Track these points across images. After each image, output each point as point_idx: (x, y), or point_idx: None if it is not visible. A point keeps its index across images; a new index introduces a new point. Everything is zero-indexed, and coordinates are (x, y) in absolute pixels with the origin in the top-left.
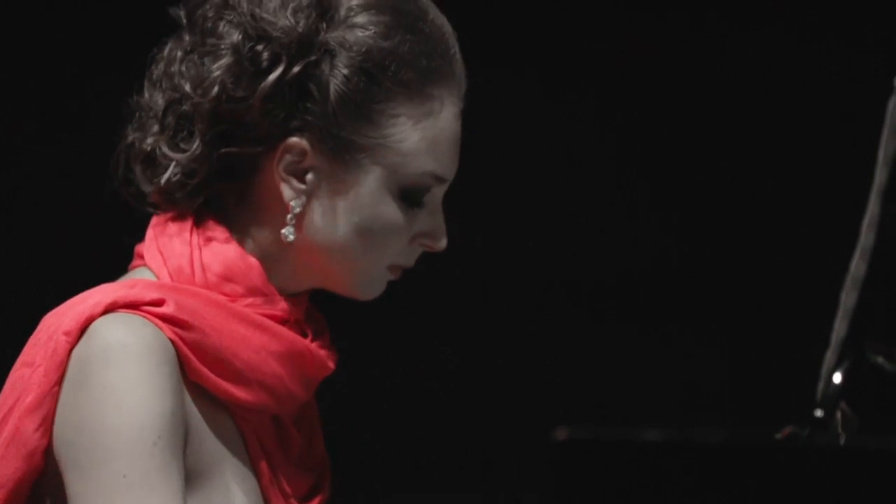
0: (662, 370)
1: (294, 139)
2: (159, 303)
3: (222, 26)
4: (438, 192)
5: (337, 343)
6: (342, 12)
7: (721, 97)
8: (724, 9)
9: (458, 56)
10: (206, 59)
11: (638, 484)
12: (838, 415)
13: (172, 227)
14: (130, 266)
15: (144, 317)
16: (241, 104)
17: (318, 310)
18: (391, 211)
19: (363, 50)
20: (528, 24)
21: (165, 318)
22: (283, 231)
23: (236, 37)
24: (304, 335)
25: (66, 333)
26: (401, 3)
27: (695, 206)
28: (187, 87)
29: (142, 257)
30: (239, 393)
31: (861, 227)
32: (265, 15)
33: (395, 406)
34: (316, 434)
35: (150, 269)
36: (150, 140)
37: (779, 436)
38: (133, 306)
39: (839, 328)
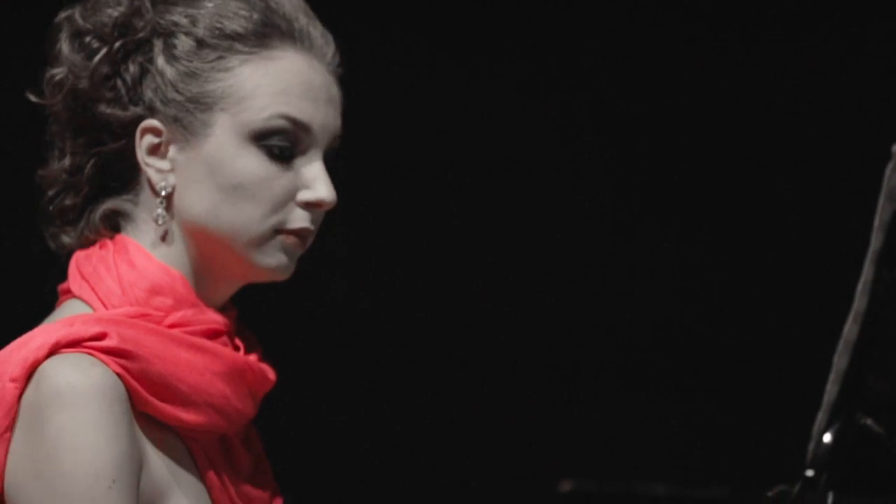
0: (659, 428)
1: (146, 121)
2: (101, 336)
3: (62, 37)
4: (308, 140)
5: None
6: None
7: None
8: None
9: (308, 25)
10: (50, 70)
11: None
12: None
13: (94, 258)
14: (57, 304)
15: (89, 353)
16: (85, 97)
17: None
18: (250, 162)
19: (185, 17)
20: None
21: (109, 352)
22: (154, 215)
23: (67, 37)
24: (237, 349)
25: (14, 380)
26: None
27: (690, 269)
28: (43, 100)
29: (68, 292)
30: (188, 416)
31: (855, 292)
32: (91, 12)
33: (398, 458)
34: (262, 457)
35: (80, 299)
36: (43, 175)
37: (770, 494)
38: (76, 344)
39: (831, 390)
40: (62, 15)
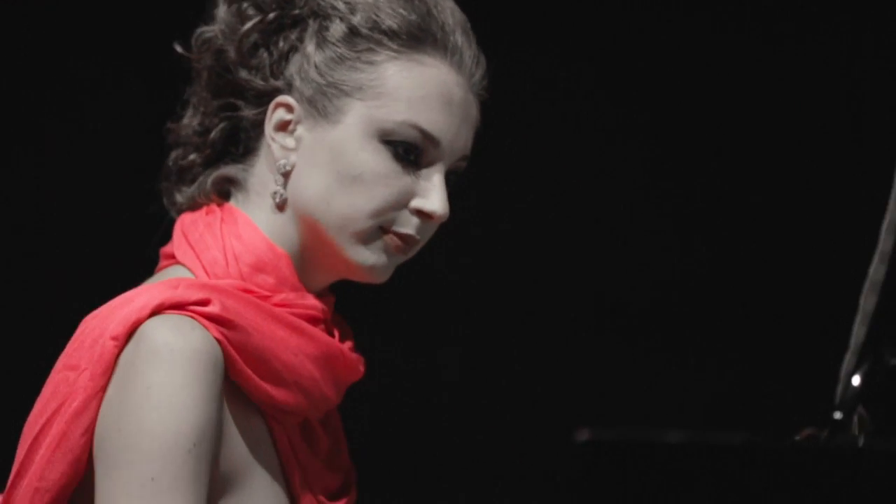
0: (681, 374)
1: (282, 97)
2: (205, 302)
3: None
4: (435, 153)
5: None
6: None
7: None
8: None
9: (463, 42)
10: (202, 27)
11: (658, 484)
12: (856, 417)
13: (201, 224)
14: (158, 268)
15: (192, 317)
16: (229, 60)
17: (344, 317)
18: (372, 157)
19: (344, 4)
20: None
21: (212, 318)
22: (272, 192)
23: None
24: (332, 336)
25: (114, 338)
26: None
27: (711, 211)
28: (189, 55)
29: (171, 257)
30: (277, 394)
31: (880, 231)
32: None
33: (415, 411)
34: (341, 440)
35: (183, 266)
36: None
37: (798, 437)
38: (179, 307)
39: (858, 332)
40: None
